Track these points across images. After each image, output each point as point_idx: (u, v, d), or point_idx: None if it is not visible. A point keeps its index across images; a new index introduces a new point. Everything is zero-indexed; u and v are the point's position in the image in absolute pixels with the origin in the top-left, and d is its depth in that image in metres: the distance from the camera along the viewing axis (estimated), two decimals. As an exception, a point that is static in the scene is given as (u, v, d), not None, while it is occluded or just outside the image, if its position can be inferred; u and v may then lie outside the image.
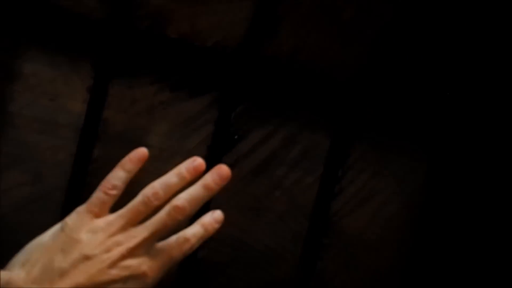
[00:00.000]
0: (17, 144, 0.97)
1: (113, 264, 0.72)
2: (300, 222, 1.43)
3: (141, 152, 0.94)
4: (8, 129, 0.96)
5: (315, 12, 1.19)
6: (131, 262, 0.74)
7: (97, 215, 0.80)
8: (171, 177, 0.91)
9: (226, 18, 1.12)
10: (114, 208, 0.89)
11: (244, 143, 1.24)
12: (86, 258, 0.72)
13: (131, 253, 0.75)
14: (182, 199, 0.89)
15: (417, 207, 1.53)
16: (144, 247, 0.76)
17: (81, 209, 0.83)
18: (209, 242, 1.55)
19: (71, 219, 0.81)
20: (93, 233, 0.75)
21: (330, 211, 1.45)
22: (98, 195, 0.85)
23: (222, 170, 0.98)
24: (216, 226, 0.98)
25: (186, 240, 0.91)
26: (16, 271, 0.73)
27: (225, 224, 1.37)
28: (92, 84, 1.03)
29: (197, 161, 0.95)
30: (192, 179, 0.93)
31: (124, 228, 0.77)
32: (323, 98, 1.29)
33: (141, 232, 0.78)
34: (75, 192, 0.99)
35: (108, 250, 0.73)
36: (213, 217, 0.99)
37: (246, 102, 1.22)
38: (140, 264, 0.75)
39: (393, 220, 1.54)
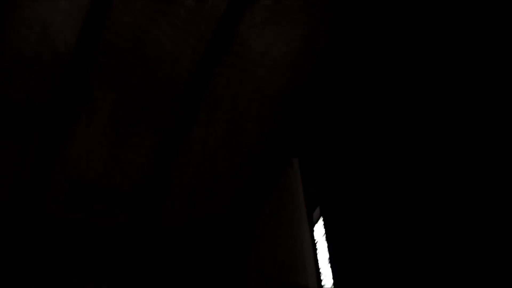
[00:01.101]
0: None
1: None
2: (209, 25, 1.44)
3: None
4: None
5: None
6: None
7: None
8: None
9: None
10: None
11: None
12: None
13: None
14: None
15: (323, 45, 1.55)
16: None
17: None
18: (115, 26, 1.53)
19: None
20: None
21: (240, 20, 1.47)
22: None
23: None
24: None
25: None
26: None
27: (134, 11, 1.34)
28: None
29: None
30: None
31: None
32: None
33: None
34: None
35: None
36: None
37: None
38: None
39: (294, 47, 1.58)
